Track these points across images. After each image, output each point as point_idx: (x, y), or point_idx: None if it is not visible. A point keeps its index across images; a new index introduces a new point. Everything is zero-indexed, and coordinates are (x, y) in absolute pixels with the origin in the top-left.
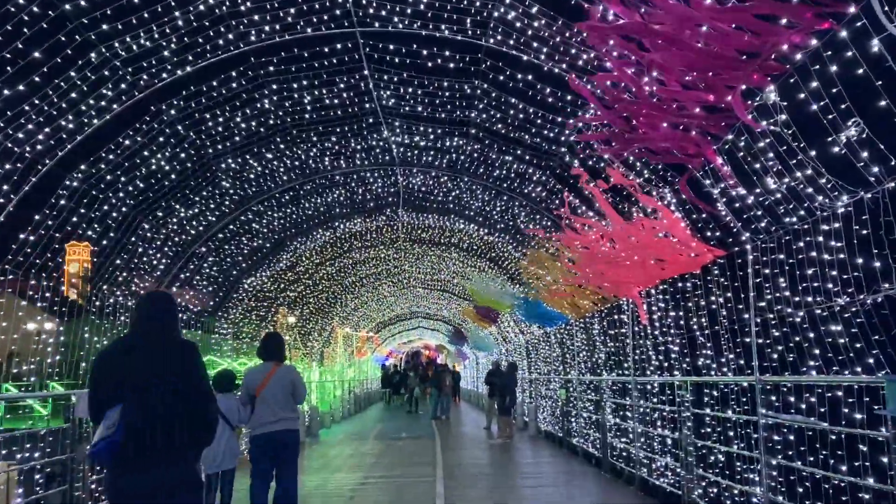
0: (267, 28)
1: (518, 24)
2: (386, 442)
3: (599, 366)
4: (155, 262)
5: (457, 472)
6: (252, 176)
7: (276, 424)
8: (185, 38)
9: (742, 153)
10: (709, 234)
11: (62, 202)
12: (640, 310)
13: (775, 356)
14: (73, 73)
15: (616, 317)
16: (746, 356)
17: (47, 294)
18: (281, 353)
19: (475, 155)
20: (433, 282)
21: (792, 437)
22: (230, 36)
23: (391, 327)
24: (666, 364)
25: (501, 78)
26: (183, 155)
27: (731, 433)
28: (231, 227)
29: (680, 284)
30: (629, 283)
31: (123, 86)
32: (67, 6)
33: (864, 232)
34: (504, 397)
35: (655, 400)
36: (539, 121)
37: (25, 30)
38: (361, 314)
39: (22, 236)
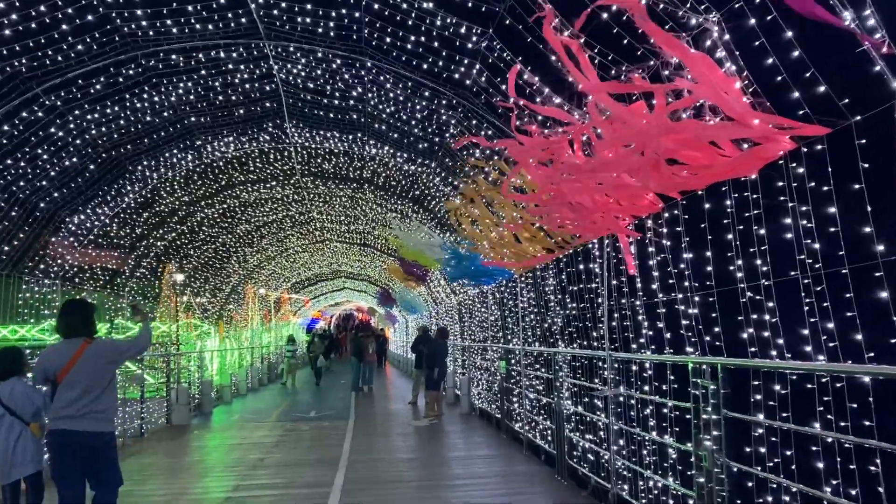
0: None
1: None
2: (288, 424)
3: (554, 334)
4: None
5: (363, 474)
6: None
7: (79, 422)
8: None
9: None
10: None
11: None
12: (627, 253)
13: None
14: None
15: (581, 266)
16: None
17: None
18: (88, 327)
19: (378, 22)
20: (350, 234)
21: None
22: None
23: (312, 288)
24: (669, 336)
25: None
26: None
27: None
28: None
29: (708, 205)
30: (614, 212)
31: None
32: None
33: None
34: (432, 368)
35: (648, 388)
36: None
37: None
38: (270, 272)
39: None
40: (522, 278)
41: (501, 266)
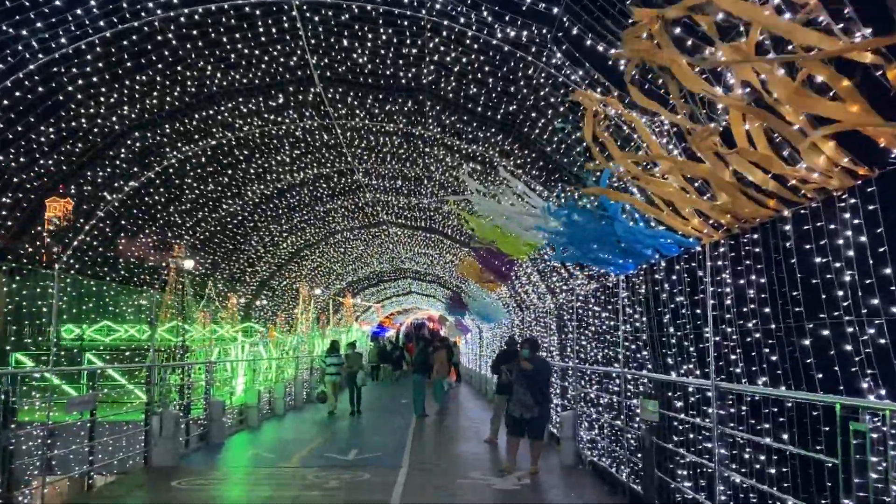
0: None
1: None
2: (312, 474)
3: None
4: None
5: None
6: None
7: None
8: None
9: None
10: None
11: None
12: None
13: None
14: None
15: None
16: None
17: None
18: None
19: None
20: (409, 211)
21: None
22: None
23: (374, 290)
24: None
25: None
26: None
27: None
28: None
29: None
30: None
31: None
32: None
33: None
34: (527, 403)
35: None
36: None
37: None
38: (315, 266)
39: None
40: (716, 254)
41: (677, 229)
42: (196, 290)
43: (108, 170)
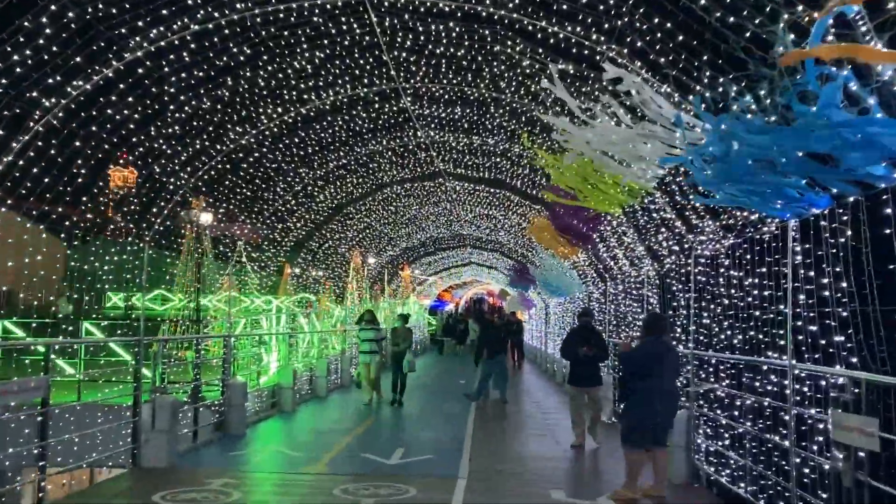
0: None
1: None
2: (341, 485)
3: None
4: None
5: None
6: None
7: None
8: None
9: None
10: None
11: None
12: None
13: None
14: None
15: None
16: None
17: None
18: None
19: None
20: (470, 157)
21: None
22: None
23: (430, 260)
24: None
25: None
26: None
27: None
28: None
29: None
30: None
31: None
32: None
33: None
34: (633, 401)
35: None
36: None
37: None
38: (361, 225)
39: None
40: None
41: None
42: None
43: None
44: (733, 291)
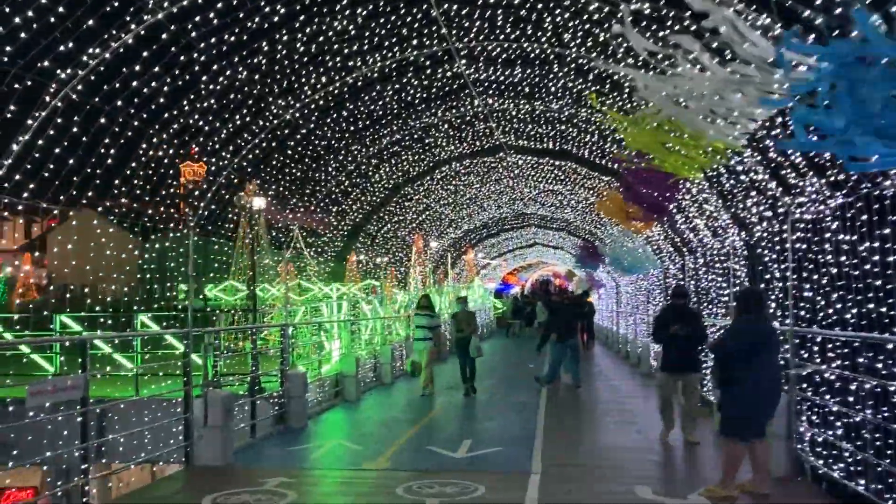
0: None
1: None
2: (405, 487)
3: None
4: None
5: None
6: None
7: None
8: None
9: None
10: None
11: None
12: None
13: None
14: None
15: None
16: None
17: None
18: None
19: None
20: (533, 125)
21: None
22: None
23: (493, 241)
24: None
25: None
26: None
27: None
28: None
29: None
30: None
31: None
32: None
33: None
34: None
35: None
36: None
37: None
38: (420, 206)
39: None
40: None
41: None
42: (276, 239)
43: None
44: (843, 259)
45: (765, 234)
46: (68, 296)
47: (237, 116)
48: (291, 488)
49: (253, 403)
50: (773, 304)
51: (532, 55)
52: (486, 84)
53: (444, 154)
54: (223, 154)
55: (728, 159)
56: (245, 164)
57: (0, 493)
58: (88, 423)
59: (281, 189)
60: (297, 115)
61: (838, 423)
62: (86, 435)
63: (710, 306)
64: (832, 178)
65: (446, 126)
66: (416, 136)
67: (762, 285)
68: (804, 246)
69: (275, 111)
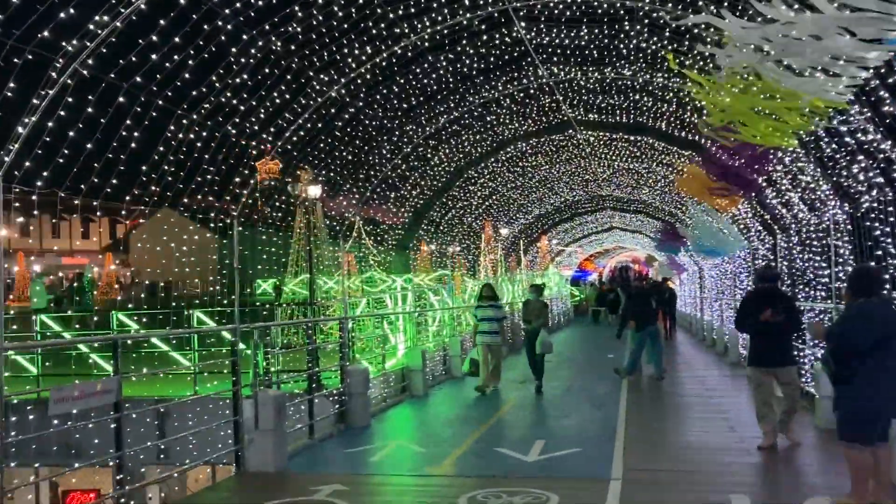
0: None
1: None
2: (469, 496)
3: None
4: None
5: None
6: None
7: None
8: None
9: None
10: None
11: None
12: None
13: None
14: None
15: None
16: None
17: None
18: None
19: None
20: (604, 97)
21: None
22: None
23: (566, 227)
24: None
25: None
26: None
27: None
28: None
29: None
30: None
31: None
32: None
33: None
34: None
35: None
36: None
37: None
38: (486, 190)
39: None
40: None
41: None
42: (332, 228)
43: None
44: None
45: (875, 205)
46: (145, 294)
47: (274, 93)
48: (344, 498)
49: (311, 402)
50: (889, 286)
51: (599, 11)
52: (550, 50)
53: (507, 133)
54: (263, 136)
55: (830, 119)
56: (290, 146)
57: (65, 496)
58: (123, 427)
59: (333, 175)
60: (343, 91)
61: None
62: (120, 440)
63: (807, 289)
64: None
65: (508, 101)
66: (476, 114)
67: (873, 263)
68: None
69: (317, 87)
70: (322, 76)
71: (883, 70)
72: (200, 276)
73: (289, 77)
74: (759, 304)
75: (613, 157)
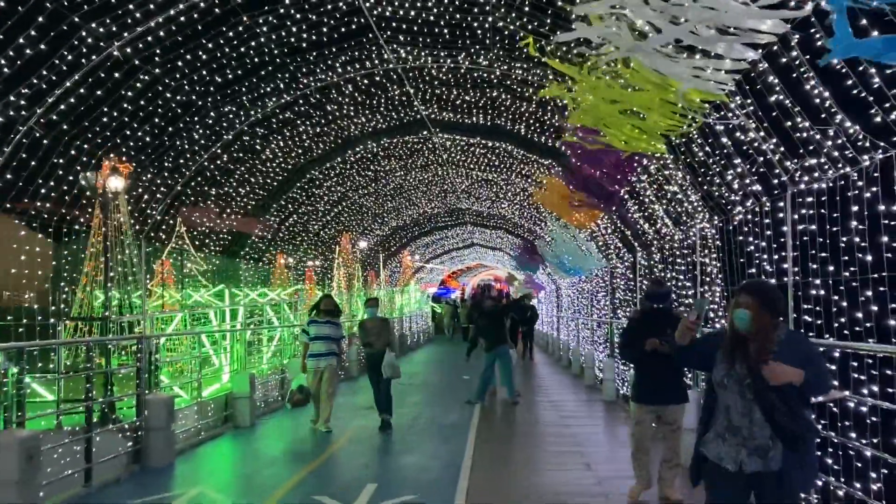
0: None
1: None
2: None
3: None
4: None
5: None
6: None
7: None
8: None
9: None
10: None
11: None
12: None
13: None
14: None
15: None
16: None
17: None
18: None
19: None
20: (458, 90)
21: None
22: None
23: (427, 241)
24: None
25: None
26: None
27: None
28: None
29: None
30: None
31: None
32: None
33: None
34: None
35: None
36: None
37: None
38: (335, 196)
39: None
40: None
41: None
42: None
43: None
44: (887, 239)
45: (750, 217)
46: None
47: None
48: None
49: (88, 441)
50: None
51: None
52: (394, 25)
53: (354, 129)
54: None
55: (705, 116)
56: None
57: None
58: None
59: (136, 162)
60: (129, 50)
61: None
62: None
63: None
64: (877, 122)
65: (351, 88)
66: (312, 101)
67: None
68: (812, 227)
69: (88, 39)
70: (94, 25)
71: (776, 47)
72: (33, 285)
73: (41, 20)
74: (645, 329)
75: (471, 166)
